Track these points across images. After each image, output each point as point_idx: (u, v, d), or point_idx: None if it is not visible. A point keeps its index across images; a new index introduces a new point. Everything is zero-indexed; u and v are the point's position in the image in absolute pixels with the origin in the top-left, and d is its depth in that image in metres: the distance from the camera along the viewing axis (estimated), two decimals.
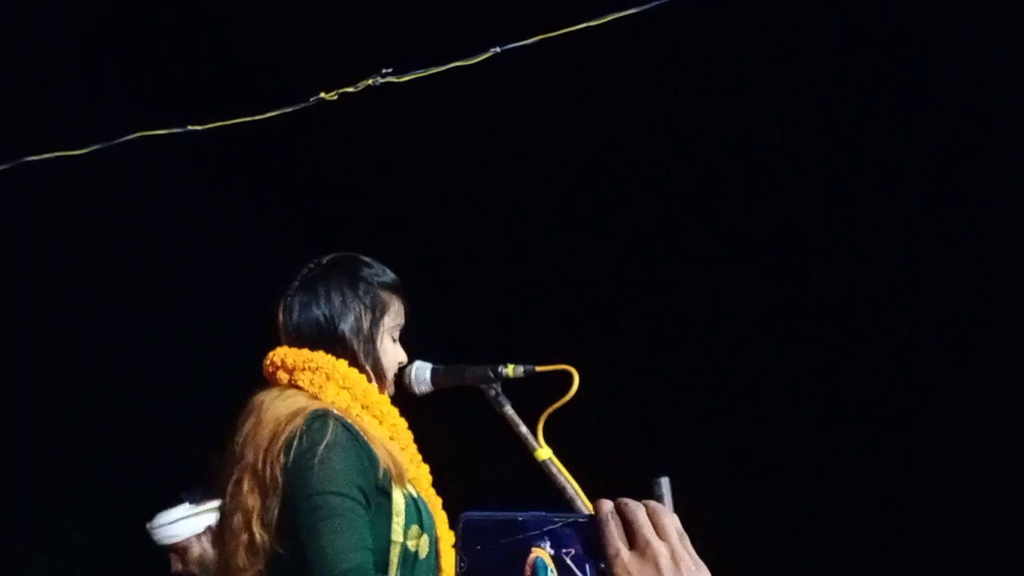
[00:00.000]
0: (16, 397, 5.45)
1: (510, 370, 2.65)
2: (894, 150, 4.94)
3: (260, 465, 2.49)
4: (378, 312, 2.72)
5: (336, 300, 2.70)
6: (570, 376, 2.56)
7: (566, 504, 2.54)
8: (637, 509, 1.06)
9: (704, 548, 1.08)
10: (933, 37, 4.52)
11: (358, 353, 2.68)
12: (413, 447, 2.70)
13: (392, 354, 2.74)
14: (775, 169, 5.12)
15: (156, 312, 5.57)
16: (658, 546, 1.04)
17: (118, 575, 5.39)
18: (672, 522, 1.06)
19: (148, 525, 4.13)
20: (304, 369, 2.63)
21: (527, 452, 2.60)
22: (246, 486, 2.51)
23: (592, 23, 3.80)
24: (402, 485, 2.55)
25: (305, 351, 2.66)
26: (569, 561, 1.04)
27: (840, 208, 5.10)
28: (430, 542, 2.60)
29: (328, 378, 2.62)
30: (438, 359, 2.76)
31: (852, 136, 5.02)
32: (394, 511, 2.52)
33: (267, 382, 2.68)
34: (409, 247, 4.77)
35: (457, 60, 3.89)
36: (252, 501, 2.49)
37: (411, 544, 2.55)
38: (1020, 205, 4.58)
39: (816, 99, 4.97)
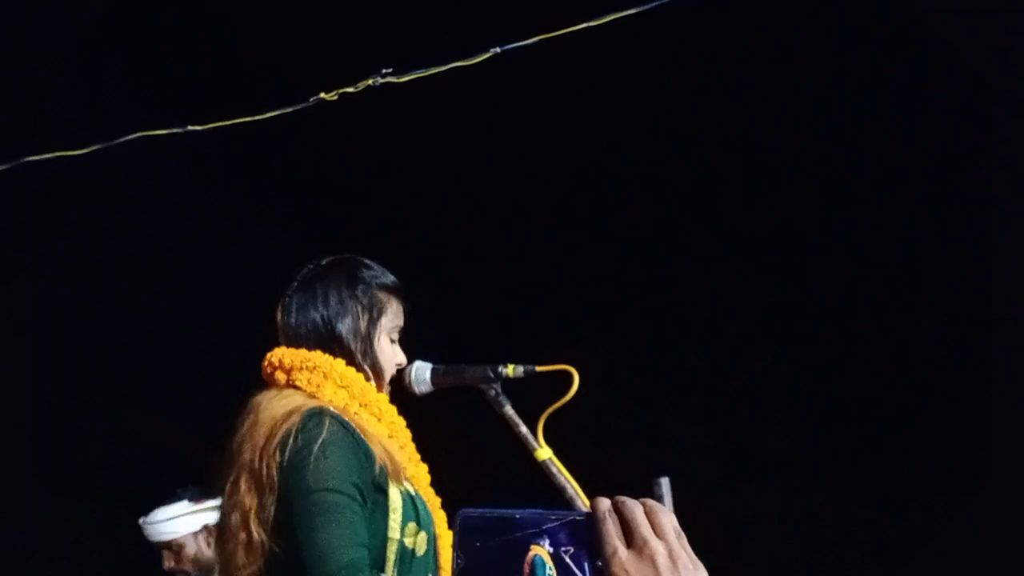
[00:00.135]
0: (16, 397, 5.46)
1: (510, 370, 2.64)
2: (894, 150, 4.94)
3: (257, 464, 2.49)
4: (376, 313, 2.72)
5: (334, 301, 2.70)
6: (570, 376, 2.56)
7: (566, 504, 2.54)
8: (635, 507, 1.06)
9: (704, 548, 1.08)
10: (933, 37, 4.52)
11: (355, 353, 2.68)
12: (411, 446, 2.70)
13: (390, 355, 2.73)
14: (775, 169, 5.12)
15: (156, 312, 5.57)
16: (655, 545, 1.03)
17: (118, 575, 5.39)
18: (670, 521, 1.06)
19: (142, 520, 4.13)
20: (302, 369, 2.63)
21: (527, 452, 2.59)
22: (243, 485, 2.50)
23: (592, 23, 3.80)
24: (399, 482, 2.55)
25: (303, 351, 2.66)
26: (568, 559, 1.04)
27: (840, 208, 5.10)
28: (428, 540, 2.59)
29: (326, 377, 2.62)
30: (438, 359, 2.76)
31: (852, 136, 5.02)
32: (391, 508, 2.52)
33: (266, 382, 2.68)
34: (409, 247, 4.77)
35: (457, 60, 3.89)
36: (249, 500, 2.49)
37: (408, 541, 2.54)
38: (1020, 205, 4.58)
39: (816, 99, 4.97)
